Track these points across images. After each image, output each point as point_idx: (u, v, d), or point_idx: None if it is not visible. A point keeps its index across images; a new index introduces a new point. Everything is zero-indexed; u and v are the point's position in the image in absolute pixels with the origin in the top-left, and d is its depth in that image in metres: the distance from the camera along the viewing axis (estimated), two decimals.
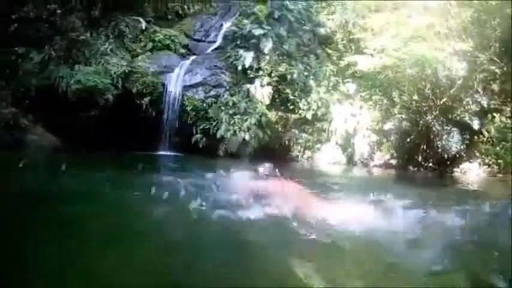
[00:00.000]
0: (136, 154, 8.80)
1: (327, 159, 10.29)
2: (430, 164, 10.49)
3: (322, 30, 11.22)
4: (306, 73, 10.33)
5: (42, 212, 3.35)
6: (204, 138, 9.29)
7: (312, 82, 10.29)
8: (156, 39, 10.50)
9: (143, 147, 9.12)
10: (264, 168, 3.98)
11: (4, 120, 9.75)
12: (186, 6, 11.26)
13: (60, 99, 9.89)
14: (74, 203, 3.61)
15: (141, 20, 10.90)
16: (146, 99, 9.54)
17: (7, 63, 10.60)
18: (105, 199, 4.08)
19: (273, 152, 9.78)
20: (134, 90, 9.69)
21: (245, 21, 10.57)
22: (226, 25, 11.05)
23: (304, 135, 10.06)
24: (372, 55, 11.00)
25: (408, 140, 10.79)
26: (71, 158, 8.50)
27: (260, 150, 9.51)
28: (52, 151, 9.64)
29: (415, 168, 10.47)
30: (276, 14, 10.76)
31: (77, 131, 9.56)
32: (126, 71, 9.87)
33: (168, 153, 9.42)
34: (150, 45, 10.46)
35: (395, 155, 10.84)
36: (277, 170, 4.05)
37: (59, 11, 11.11)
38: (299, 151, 10.04)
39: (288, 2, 11.03)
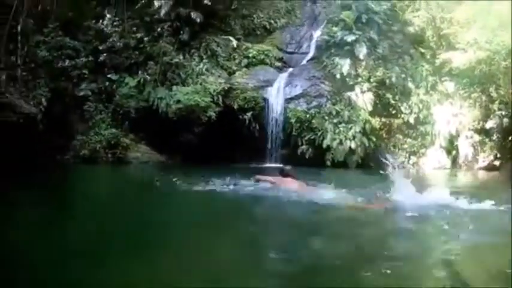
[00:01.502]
0: (244, 167, 8.92)
1: (432, 163, 9.91)
2: None
3: (411, 29, 10.92)
4: (403, 75, 10.08)
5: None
6: (310, 149, 9.31)
7: (410, 84, 10.03)
8: (250, 55, 10.78)
9: (250, 160, 9.31)
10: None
11: (106, 140, 10.35)
12: (272, 21, 11.46)
13: (161, 119, 10.42)
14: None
15: (231, 38, 11.28)
16: (249, 114, 9.78)
17: (103, 89, 11.39)
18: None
19: (378, 159, 9.60)
20: (235, 106, 9.99)
21: (334, 28, 10.55)
22: (316, 34, 11.09)
23: (408, 140, 9.79)
24: (464, 50, 10.61)
25: (510, 138, 10.23)
26: (183, 172, 8.82)
27: (366, 158, 9.35)
28: (159, 166, 9.99)
29: None
30: (364, 18, 10.64)
31: (181, 147, 9.98)
32: (226, 88, 10.22)
33: (276, 165, 9.49)
34: (245, 61, 10.76)
35: (498, 155, 10.34)
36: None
37: (145, 39, 11.79)
38: (405, 157, 9.76)
39: (372, 5, 10.88)
